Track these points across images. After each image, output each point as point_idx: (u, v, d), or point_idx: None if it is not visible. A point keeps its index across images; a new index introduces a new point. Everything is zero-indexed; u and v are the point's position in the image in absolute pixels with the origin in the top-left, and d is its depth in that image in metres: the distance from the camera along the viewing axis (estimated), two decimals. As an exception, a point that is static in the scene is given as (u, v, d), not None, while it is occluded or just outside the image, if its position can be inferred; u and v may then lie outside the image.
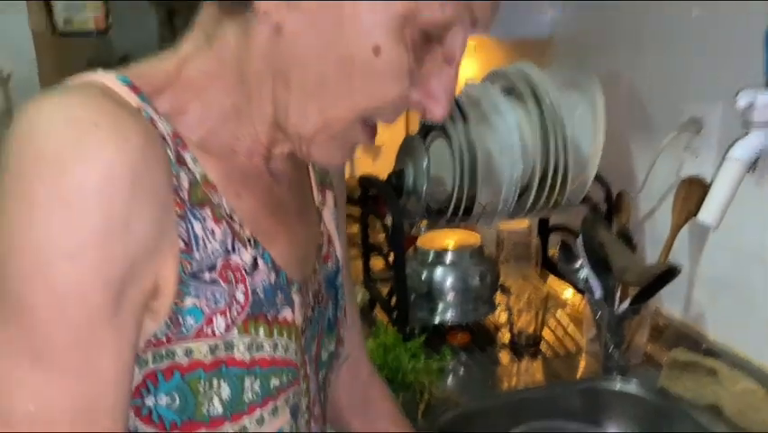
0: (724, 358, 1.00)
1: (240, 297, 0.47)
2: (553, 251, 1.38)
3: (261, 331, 0.48)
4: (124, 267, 0.39)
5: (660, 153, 1.12)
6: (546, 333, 1.19)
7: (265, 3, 0.43)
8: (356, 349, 0.70)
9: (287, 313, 0.51)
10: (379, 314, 1.25)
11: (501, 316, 1.23)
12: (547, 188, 1.12)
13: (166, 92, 0.45)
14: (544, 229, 1.38)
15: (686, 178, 1.05)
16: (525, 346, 1.15)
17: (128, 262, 0.40)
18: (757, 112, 0.71)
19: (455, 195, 1.11)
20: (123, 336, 0.41)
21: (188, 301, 0.44)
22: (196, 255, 0.44)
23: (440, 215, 1.15)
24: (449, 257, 1.18)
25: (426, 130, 1.18)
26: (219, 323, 0.45)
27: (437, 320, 1.17)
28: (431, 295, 1.17)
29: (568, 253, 1.14)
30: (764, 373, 0.96)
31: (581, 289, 1.14)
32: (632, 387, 1.03)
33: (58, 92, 0.41)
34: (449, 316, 1.17)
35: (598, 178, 1.16)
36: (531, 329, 1.15)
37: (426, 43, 0.44)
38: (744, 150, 0.71)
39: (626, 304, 1.06)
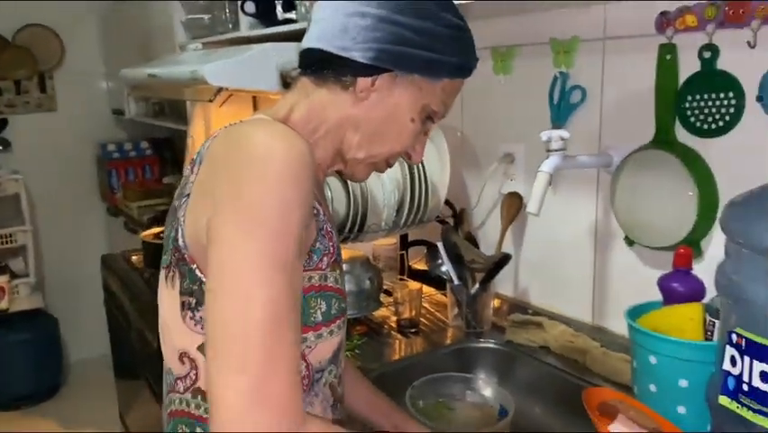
0: (545, 315, 1.46)
1: (331, 248, 0.79)
2: (414, 261, 1.79)
3: (337, 271, 0.81)
4: (307, 217, 0.70)
5: (487, 179, 1.59)
6: (423, 318, 1.58)
7: (360, 85, 0.79)
8: None
9: (342, 265, 0.84)
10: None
11: (386, 310, 1.60)
12: (414, 210, 1.53)
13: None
14: (406, 244, 1.79)
15: (506, 193, 1.53)
16: (408, 328, 1.52)
17: (307, 214, 0.70)
18: (553, 143, 1.17)
19: (350, 219, 1.47)
20: (301, 265, 0.72)
21: (317, 245, 0.76)
22: (318, 220, 0.77)
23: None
24: (345, 267, 1.53)
25: (320, 171, 1.53)
26: (324, 261, 0.78)
27: (342, 317, 1.50)
28: (335, 298, 1.51)
29: (433, 255, 1.55)
30: (571, 320, 1.44)
31: (444, 279, 1.55)
32: (488, 344, 1.45)
33: (257, 123, 0.74)
34: (350, 312, 1.51)
35: (446, 201, 1.60)
36: (410, 315, 1.53)
37: (425, 122, 0.84)
38: (547, 166, 1.16)
39: (476, 286, 1.48)
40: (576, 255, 1.44)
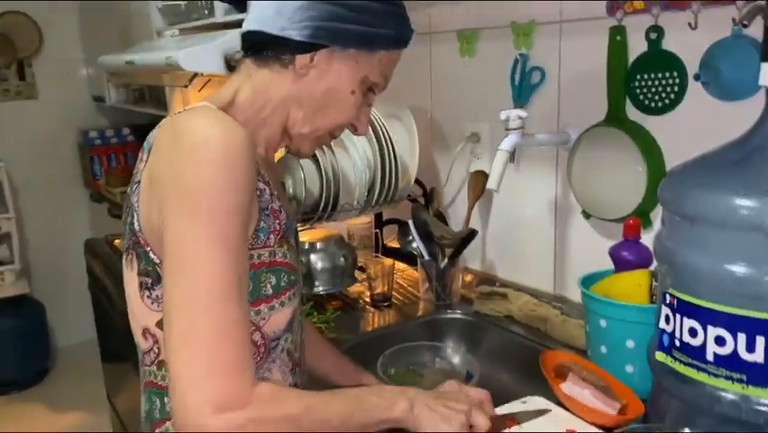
0: (510, 287, 1.53)
1: (277, 225, 0.84)
2: (389, 239, 1.86)
3: (285, 246, 0.86)
4: (249, 200, 0.75)
5: (455, 159, 1.65)
6: (395, 292, 1.65)
7: (299, 62, 0.84)
8: None
9: (292, 240, 0.89)
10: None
11: (360, 286, 1.67)
12: (385, 189, 1.59)
13: (228, 110, 0.84)
14: (380, 223, 1.85)
15: (473, 172, 1.59)
16: (381, 302, 1.59)
17: (246, 195, 0.75)
18: (511, 122, 1.23)
19: (323, 198, 1.53)
20: (246, 243, 0.77)
21: (261, 224, 0.81)
22: (262, 200, 0.82)
23: (311, 215, 1.56)
24: (319, 245, 1.60)
25: (294, 153, 1.58)
26: (271, 238, 0.83)
27: (318, 291, 1.57)
28: (310, 274, 1.57)
29: (404, 232, 1.62)
30: (534, 290, 1.52)
31: (416, 255, 1.62)
32: (456, 315, 1.52)
33: (197, 112, 0.78)
34: (323, 288, 1.58)
35: (416, 180, 1.66)
36: (383, 290, 1.60)
37: (366, 93, 0.88)
38: (506, 144, 1.22)
39: (445, 261, 1.55)
40: (538, 229, 1.51)
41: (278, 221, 0.85)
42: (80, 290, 3.87)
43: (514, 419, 1.03)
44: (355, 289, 1.68)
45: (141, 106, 3.19)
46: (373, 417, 0.83)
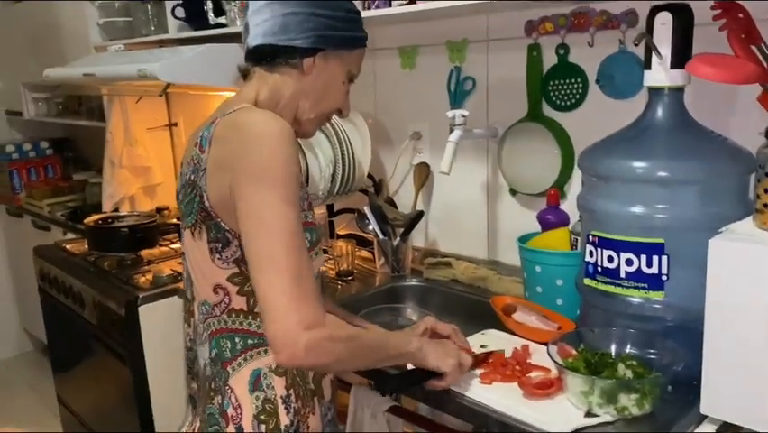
0: (452, 256, 1.86)
1: (307, 195, 1.09)
2: (340, 227, 2.14)
3: (311, 211, 1.11)
4: (300, 170, 1.00)
5: (400, 154, 1.96)
6: (355, 268, 1.93)
7: (306, 64, 1.09)
8: None
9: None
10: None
11: (323, 266, 1.92)
12: (345, 181, 1.87)
13: None
14: (332, 213, 2.12)
15: (417, 164, 1.91)
16: (345, 276, 1.87)
17: (299, 168, 0.99)
18: (457, 119, 1.56)
19: (293, 189, 1.78)
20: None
21: (302, 193, 1.05)
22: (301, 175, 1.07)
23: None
24: (290, 231, 1.85)
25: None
26: (305, 204, 1.07)
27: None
28: (284, 256, 1.82)
29: (361, 217, 1.90)
30: (472, 258, 1.85)
31: (367, 240, 1.90)
32: (411, 282, 1.83)
33: (252, 110, 1.03)
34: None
35: (368, 174, 1.95)
36: (346, 266, 1.88)
37: (348, 83, 1.16)
38: (454, 137, 1.55)
39: (398, 239, 1.86)
40: (473, 208, 1.85)
41: (306, 193, 1.11)
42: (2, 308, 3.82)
43: (489, 352, 1.34)
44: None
45: (66, 118, 3.25)
46: (399, 349, 1.11)
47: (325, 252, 1.95)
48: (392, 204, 1.95)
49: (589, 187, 1.27)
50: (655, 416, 1.08)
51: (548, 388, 1.14)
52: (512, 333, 1.41)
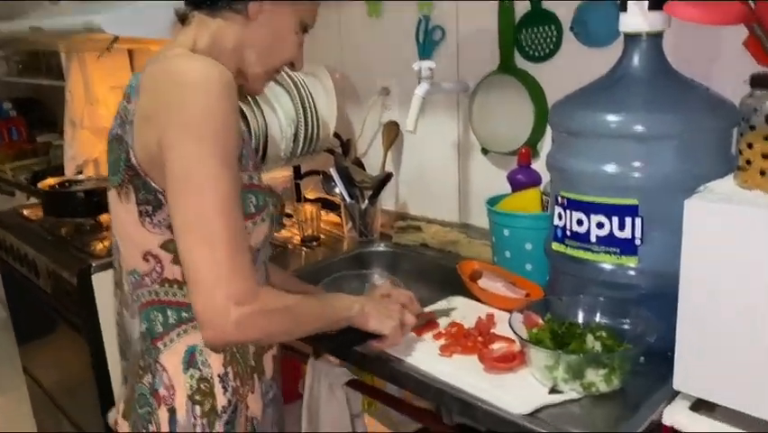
0: (422, 220, 1.76)
1: (252, 153, 0.99)
2: (307, 190, 2.03)
3: (259, 172, 1.01)
4: (239, 126, 0.89)
5: (368, 111, 1.85)
6: (322, 233, 1.83)
7: (252, 9, 0.97)
8: None
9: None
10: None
11: (288, 231, 1.83)
12: (308, 141, 1.76)
13: None
14: (299, 175, 2.01)
15: (386, 122, 1.80)
16: (311, 242, 1.77)
17: (239, 124, 0.89)
18: (423, 72, 1.45)
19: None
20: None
21: (244, 151, 0.95)
22: (242, 131, 0.96)
23: (241, 166, 1.69)
24: (250, 195, 1.74)
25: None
26: (250, 164, 0.97)
27: (252, 236, 1.72)
28: (244, 221, 1.72)
29: (327, 180, 1.79)
30: (443, 221, 1.76)
31: (335, 203, 1.80)
32: (380, 247, 1.73)
33: (188, 56, 0.91)
34: (258, 233, 1.73)
35: (335, 133, 1.84)
36: (311, 232, 1.78)
37: (301, 34, 1.04)
38: (420, 90, 1.44)
39: (366, 202, 1.76)
40: (443, 168, 1.75)
41: (251, 151, 1.01)
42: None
43: (432, 313, 1.26)
44: (282, 235, 1.84)
45: (26, 77, 3.11)
46: (339, 315, 1.04)
47: (290, 216, 1.85)
48: (360, 165, 1.84)
49: (560, 144, 1.17)
50: (625, 392, 1.00)
51: (510, 361, 1.06)
52: (479, 300, 1.32)
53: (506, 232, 1.36)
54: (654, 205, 1.04)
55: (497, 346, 1.13)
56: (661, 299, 1.02)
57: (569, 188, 1.12)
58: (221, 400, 0.96)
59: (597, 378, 0.97)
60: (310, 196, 2.04)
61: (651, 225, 1.05)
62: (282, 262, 1.66)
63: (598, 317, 1.11)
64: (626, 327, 1.08)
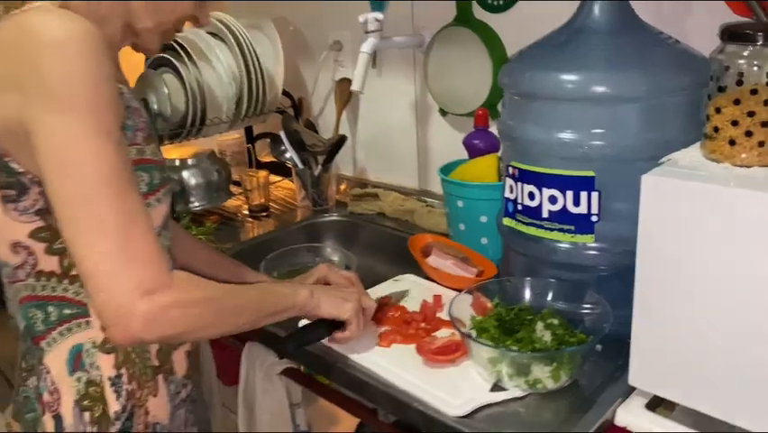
0: (381, 187, 1.64)
1: (141, 123, 0.86)
2: (262, 154, 1.90)
3: (153, 144, 0.88)
4: (115, 91, 0.75)
5: (320, 68, 1.70)
6: (273, 202, 1.70)
7: None
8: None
9: (156, 140, 0.91)
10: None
11: (237, 200, 1.71)
12: (253, 102, 1.61)
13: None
14: (251, 138, 1.87)
15: (338, 80, 1.65)
16: (259, 212, 1.65)
17: (115, 88, 0.75)
18: (369, 24, 1.30)
19: (190, 113, 1.53)
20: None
21: (128, 121, 0.82)
22: (123, 98, 0.81)
23: (179, 131, 1.56)
24: (191, 162, 1.61)
25: (155, 66, 1.56)
26: (138, 136, 0.84)
27: (194, 207, 1.59)
28: (184, 191, 1.59)
29: (276, 142, 1.66)
30: (401, 188, 1.63)
31: (289, 167, 1.67)
32: (333, 217, 1.61)
33: (46, 10, 0.74)
34: (199, 203, 1.60)
35: (284, 91, 1.69)
36: (260, 201, 1.65)
37: None
38: (366, 47, 1.29)
39: (319, 168, 1.62)
40: (401, 131, 1.61)
41: (141, 119, 0.86)
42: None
43: (388, 297, 1.15)
44: (232, 203, 1.71)
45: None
46: (281, 304, 0.91)
47: (238, 184, 1.72)
48: (312, 127, 1.70)
49: (512, 108, 1.03)
50: (577, 387, 0.90)
51: (452, 353, 0.95)
52: (430, 278, 1.21)
53: (459, 203, 1.24)
54: (614, 176, 0.92)
55: (441, 334, 1.02)
56: (620, 281, 0.90)
57: (520, 158, 1.00)
58: (113, 405, 0.85)
59: (543, 374, 0.86)
60: (266, 160, 1.91)
61: (610, 199, 0.93)
62: (227, 236, 1.54)
63: (551, 301, 0.99)
64: (583, 311, 0.97)
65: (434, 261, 1.19)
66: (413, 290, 1.17)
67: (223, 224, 1.60)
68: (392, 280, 1.22)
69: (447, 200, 1.27)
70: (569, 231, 0.96)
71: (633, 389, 0.85)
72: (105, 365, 0.84)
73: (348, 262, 1.35)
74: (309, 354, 1.01)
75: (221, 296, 0.83)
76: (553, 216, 0.97)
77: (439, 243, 1.26)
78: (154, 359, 0.89)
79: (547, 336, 0.92)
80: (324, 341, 1.00)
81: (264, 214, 1.65)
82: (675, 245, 0.74)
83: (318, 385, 1.11)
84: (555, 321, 0.94)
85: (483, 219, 1.21)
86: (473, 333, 0.95)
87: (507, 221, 1.05)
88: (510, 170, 1.02)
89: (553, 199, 0.96)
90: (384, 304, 1.10)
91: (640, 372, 0.82)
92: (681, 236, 0.73)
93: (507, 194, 1.04)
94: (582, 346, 0.88)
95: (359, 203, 1.60)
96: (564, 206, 0.95)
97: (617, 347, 0.90)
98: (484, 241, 1.23)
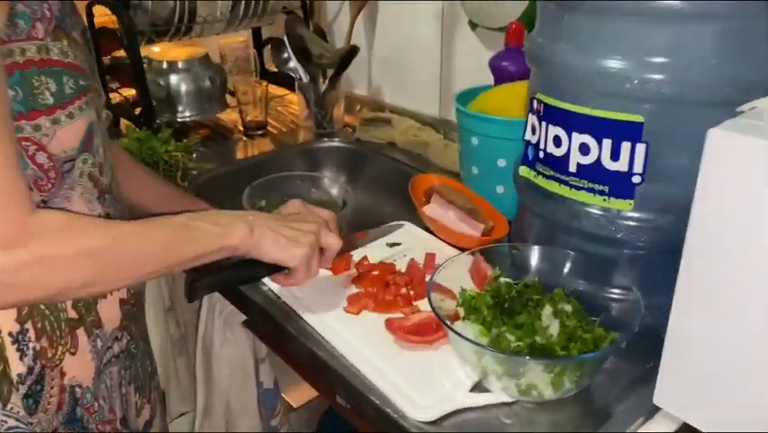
0: (396, 112, 1.40)
1: (47, 11, 0.65)
2: (271, 62, 1.67)
3: (65, 41, 0.67)
4: None
5: (337, -36, 1.44)
6: (272, 119, 1.49)
7: None
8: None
9: (76, 34, 0.70)
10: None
11: (233, 114, 1.50)
12: (254, -1, 1.38)
13: None
14: (259, 42, 1.64)
15: (356, -20, 1.39)
16: (254, 130, 1.44)
17: None
18: None
19: (177, 10, 1.30)
20: None
21: (20, 7, 0.62)
22: None
23: (166, 28, 1.34)
24: (181, 65, 1.40)
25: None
26: (38, 28, 0.64)
27: (183, 118, 1.40)
28: (170, 99, 1.39)
29: (279, 48, 1.43)
30: (419, 114, 1.39)
31: (293, 76, 1.44)
32: (338, 143, 1.39)
33: None
34: (188, 113, 1.41)
35: (293, -11, 1.45)
36: (256, 117, 1.44)
37: None
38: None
39: (325, 84, 1.40)
40: (424, 47, 1.35)
41: (46, 5, 0.66)
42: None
43: (365, 232, 0.95)
44: (228, 117, 1.51)
45: None
46: (205, 246, 0.71)
47: (232, 94, 1.51)
48: (322, 35, 1.46)
49: (544, 21, 0.78)
50: (586, 393, 0.69)
51: (431, 333, 0.75)
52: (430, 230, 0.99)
53: (474, 140, 1.00)
54: (670, 125, 0.68)
55: (426, 306, 0.81)
56: (661, 263, 0.69)
57: (548, 90, 0.75)
58: (17, 366, 0.68)
59: (541, 380, 0.66)
60: (276, 70, 1.68)
61: (660, 155, 0.69)
62: (214, 154, 1.35)
63: (567, 279, 0.77)
64: (605, 297, 0.75)
65: (433, 210, 0.97)
66: (406, 243, 0.97)
67: (211, 140, 1.41)
68: (386, 226, 1.02)
69: (461, 135, 1.04)
70: (601, 192, 0.73)
71: (657, 409, 0.65)
72: (4, 320, 0.67)
73: (345, 198, 1.15)
74: (251, 302, 0.83)
75: (110, 245, 0.64)
76: (583, 171, 0.73)
77: (445, 187, 1.03)
78: (71, 311, 0.71)
79: (554, 328, 0.71)
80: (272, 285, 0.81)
81: (260, 132, 1.44)
82: (742, 228, 0.51)
83: (281, 342, 0.92)
84: (568, 307, 0.73)
85: (501, 163, 0.98)
86: (461, 311, 0.74)
87: (524, 171, 0.82)
88: (534, 104, 0.78)
89: (584, 149, 0.72)
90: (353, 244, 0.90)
91: (669, 388, 0.61)
92: (751, 217, 0.50)
93: (528, 136, 0.80)
94: (599, 354, 0.67)
95: (368, 129, 1.38)
96: (599, 158, 0.71)
97: (647, 343, 0.68)
98: (500, 190, 1.00)
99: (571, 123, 0.73)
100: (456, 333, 0.66)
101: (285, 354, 0.92)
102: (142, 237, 0.68)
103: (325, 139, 1.40)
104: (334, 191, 1.20)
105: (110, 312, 0.76)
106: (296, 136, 1.45)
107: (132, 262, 0.67)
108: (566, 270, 0.78)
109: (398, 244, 0.97)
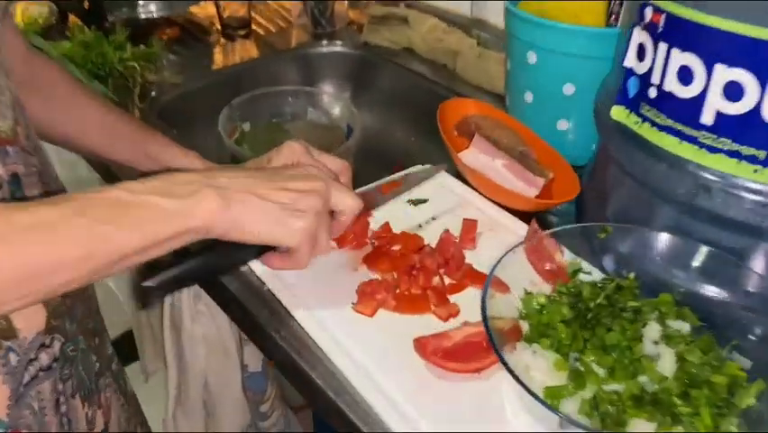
0: (414, 9, 1.11)
1: None
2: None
3: None
4: None
5: None
6: (257, 15, 1.20)
7: None
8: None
9: None
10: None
11: (210, 8, 1.20)
12: None
13: None
14: None
15: None
16: (236, 29, 1.14)
17: None
18: None
19: None
20: None
21: None
22: None
23: None
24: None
25: None
26: None
27: (142, 14, 1.10)
28: (128, -12, 1.09)
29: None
30: (445, 12, 1.10)
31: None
32: (340, 47, 1.11)
33: None
34: (154, 8, 1.11)
35: None
36: (237, 12, 1.14)
37: None
38: None
39: (325, -30, 1.09)
40: None
41: None
42: None
43: (393, 182, 0.70)
44: (205, 11, 1.21)
45: None
46: (156, 232, 0.45)
47: (209, -16, 1.20)
48: None
49: None
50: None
51: (480, 358, 0.52)
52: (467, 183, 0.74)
53: (531, 57, 0.72)
54: None
55: (464, 298, 0.58)
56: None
57: (676, -9, 0.48)
58: None
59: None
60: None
61: None
62: (186, 61, 1.07)
63: (685, 281, 0.53)
64: (746, 315, 0.51)
65: (474, 157, 0.71)
66: (435, 199, 0.71)
67: (180, 43, 1.11)
68: (414, 173, 0.75)
69: (511, 47, 0.76)
70: (752, 159, 0.47)
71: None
72: None
73: (351, 122, 0.90)
74: (223, 288, 0.60)
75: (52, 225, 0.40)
76: (726, 126, 0.47)
77: (487, 119, 0.77)
78: None
79: (667, 360, 0.47)
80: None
81: (242, 33, 1.14)
82: None
83: (263, 345, 0.69)
84: (682, 326, 0.49)
85: (569, 90, 0.71)
86: (524, 326, 0.51)
87: (619, 112, 0.55)
88: (648, 13, 0.50)
89: (733, 90, 0.46)
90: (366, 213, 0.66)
91: None
92: None
93: (632, 62, 0.53)
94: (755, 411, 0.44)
95: (379, 29, 1.09)
96: (757, 108, 0.45)
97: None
98: (562, 126, 0.73)
99: (714, 46, 0.46)
100: (529, 391, 0.42)
101: (269, 357, 0.69)
102: (50, 231, 0.43)
103: (324, 42, 1.11)
104: (336, 111, 0.95)
105: (28, 314, 0.53)
106: (287, 38, 1.15)
107: (32, 274, 0.42)
108: (682, 267, 0.53)
109: (424, 202, 0.71)
